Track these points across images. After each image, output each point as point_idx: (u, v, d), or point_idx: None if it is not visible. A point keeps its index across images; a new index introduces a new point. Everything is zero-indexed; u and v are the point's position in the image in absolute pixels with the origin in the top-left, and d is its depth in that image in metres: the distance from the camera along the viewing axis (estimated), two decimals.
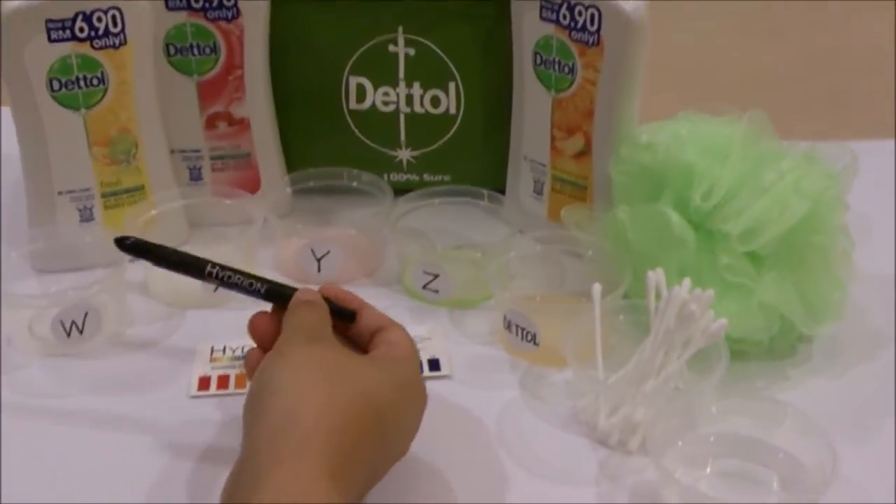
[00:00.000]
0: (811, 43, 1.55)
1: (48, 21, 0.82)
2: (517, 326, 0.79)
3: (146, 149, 0.90)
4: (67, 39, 0.83)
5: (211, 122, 0.94)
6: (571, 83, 0.87)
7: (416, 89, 0.96)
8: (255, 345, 0.69)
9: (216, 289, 0.84)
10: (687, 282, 0.72)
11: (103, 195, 0.89)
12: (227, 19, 0.90)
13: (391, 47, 0.94)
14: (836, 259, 0.78)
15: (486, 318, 0.84)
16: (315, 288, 0.70)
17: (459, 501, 0.67)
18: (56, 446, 0.72)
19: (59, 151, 0.87)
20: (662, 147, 0.79)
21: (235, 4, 0.89)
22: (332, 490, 0.56)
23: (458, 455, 0.70)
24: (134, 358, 0.81)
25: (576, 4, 0.84)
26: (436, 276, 0.86)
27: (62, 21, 0.82)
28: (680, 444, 0.69)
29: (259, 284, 0.70)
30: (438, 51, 0.94)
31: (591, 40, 0.84)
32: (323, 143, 0.98)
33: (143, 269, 0.87)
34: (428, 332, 0.82)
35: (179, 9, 0.89)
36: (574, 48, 0.86)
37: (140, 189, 0.91)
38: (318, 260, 0.88)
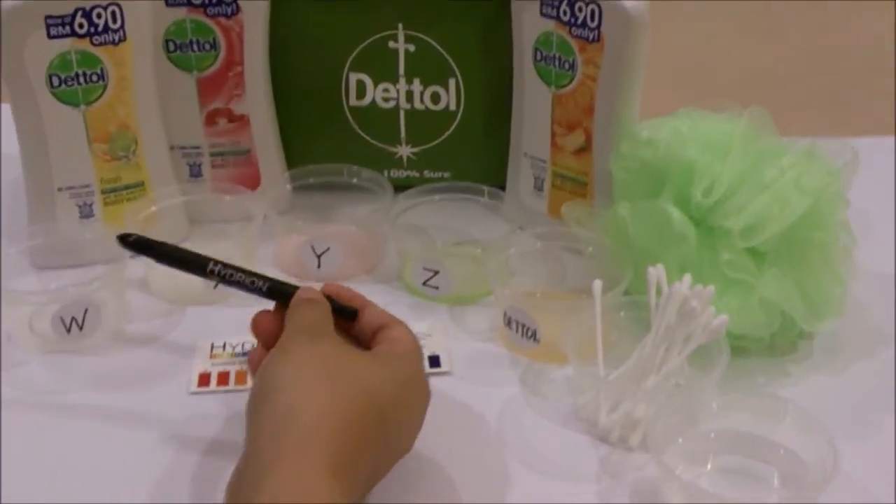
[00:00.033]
0: (811, 41, 1.55)
1: (47, 17, 0.82)
2: (517, 323, 0.79)
3: (146, 145, 0.90)
4: (67, 36, 0.83)
5: (211, 119, 0.94)
6: (572, 79, 0.87)
7: (417, 86, 0.96)
8: (257, 343, 0.69)
9: (216, 285, 0.84)
10: (688, 278, 0.71)
11: (103, 191, 0.89)
12: (226, 15, 0.90)
13: (391, 44, 0.94)
14: (837, 255, 0.78)
15: (487, 314, 0.84)
16: (316, 285, 0.70)
17: (460, 498, 0.67)
18: (56, 443, 0.72)
19: (59, 148, 0.87)
20: (663, 143, 0.79)
21: (235, 1, 0.89)
22: (335, 487, 0.56)
23: (458, 452, 0.70)
24: (134, 354, 0.81)
25: (576, 0, 0.84)
26: (436, 273, 0.86)
27: (61, 17, 0.82)
28: (681, 440, 0.68)
29: (261, 282, 0.70)
30: (438, 47, 0.94)
31: (591, 36, 0.84)
32: (323, 139, 0.98)
33: (143, 266, 0.87)
34: (428, 328, 0.82)
35: (179, 5, 0.89)
36: (574, 44, 0.86)
37: (140, 185, 0.91)
38: (318, 256, 0.88)
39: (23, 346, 0.80)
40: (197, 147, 0.95)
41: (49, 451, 0.71)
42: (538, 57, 0.89)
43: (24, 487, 0.68)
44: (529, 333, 0.79)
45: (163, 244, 0.71)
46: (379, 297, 0.72)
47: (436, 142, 0.98)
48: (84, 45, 0.83)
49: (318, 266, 0.88)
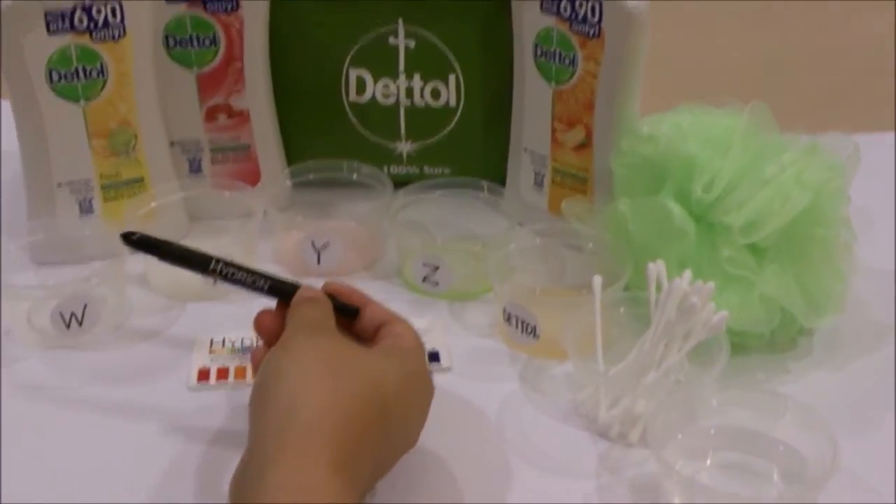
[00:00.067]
0: (812, 38, 1.55)
1: (47, 13, 0.81)
2: (517, 319, 0.79)
3: (146, 141, 0.90)
4: (66, 31, 0.83)
5: (210, 115, 0.94)
6: (572, 75, 0.87)
7: (417, 81, 0.96)
8: (259, 342, 0.70)
9: (215, 281, 0.85)
10: (688, 274, 0.71)
11: (103, 187, 0.89)
12: (226, 11, 0.90)
13: (391, 39, 0.94)
14: (838, 251, 0.77)
15: (486, 310, 0.84)
16: (316, 281, 0.70)
17: (460, 495, 0.67)
18: (55, 439, 0.72)
19: (59, 143, 0.87)
20: (664, 139, 0.79)
21: None
22: (337, 481, 0.56)
23: (458, 448, 0.70)
24: (133, 350, 0.81)
25: None
26: (436, 269, 0.85)
27: (61, 13, 0.82)
28: (680, 436, 0.68)
29: (262, 281, 0.70)
30: (439, 43, 0.94)
31: (591, 32, 0.84)
32: (323, 135, 0.98)
33: (142, 262, 0.87)
34: (427, 324, 0.82)
35: (179, 1, 0.89)
36: (575, 40, 0.86)
37: (139, 181, 0.91)
38: (318, 252, 0.88)
39: (22, 342, 0.80)
40: (197, 143, 0.95)
41: (48, 446, 0.71)
42: (538, 53, 0.89)
43: (23, 482, 0.68)
44: (529, 329, 0.79)
45: (166, 242, 0.71)
46: (378, 293, 0.72)
47: (436, 138, 0.98)
48: (84, 40, 0.83)
49: (318, 262, 0.88)
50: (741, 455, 0.69)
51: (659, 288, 0.73)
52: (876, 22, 1.54)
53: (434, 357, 0.79)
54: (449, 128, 0.97)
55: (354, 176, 0.95)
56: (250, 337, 0.80)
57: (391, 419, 0.62)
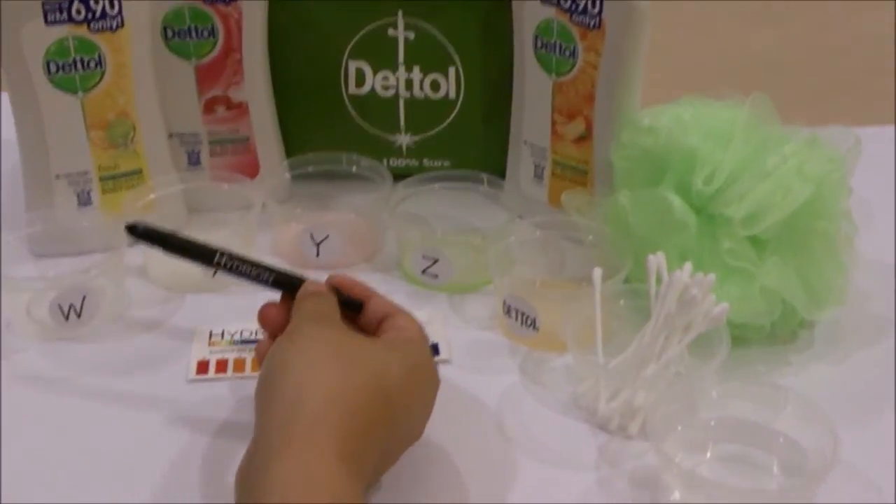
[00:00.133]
0: (813, 31, 1.54)
1: (45, 3, 0.81)
2: (517, 311, 0.79)
3: (144, 132, 0.90)
4: (64, 22, 0.82)
5: (209, 106, 0.93)
6: (572, 67, 0.87)
7: (416, 74, 0.95)
8: (265, 334, 0.69)
9: (215, 273, 0.84)
10: (688, 266, 0.71)
11: (101, 179, 0.89)
12: (225, 2, 0.89)
13: (391, 31, 0.94)
14: (839, 244, 0.77)
15: (486, 303, 0.84)
16: (315, 273, 0.71)
17: (460, 486, 0.67)
18: (54, 430, 0.72)
19: (57, 135, 0.86)
20: (664, 131, 0.79)
21: None
22: (343, 472, 0.55)
23: (457, 440, 0.70)
24: (132, 342, 0.80)
25: None
26: (435, 261, 0.85)
27: (59, 3, 0.82)
28: (680, 428, 0.68)
29: (267, 274, 0.70)
30: (438, 35, 0.93)
31: (592, 23, 0.84)
32: (322, 127, 0.98)
33: (141, 253, 0.86)
34: (427, 317, 0.82)
35: None
36: (575, 31, 0.85)
37: (138, 173, 0.90)
38: (317, 245, 0.88)
39: (21, 334, 0.80)
40: (195, 135, 0.95)
41: (47, 437, 0.71)
42: (539, 44, 0.88)
43: (22, 473, 0.68)
44: (529, 322, 0.78)
45: (170, 234, 0.71)
46: (378, 285, 0.72)
47: (435, 130, 0.98)
48: (81, 31, 0.83)
49: (317, 254, 0.88)
50: (741, 447, 0.69)
51: (659, 280, 0.73)
52: (877, 14, 1.54)
53: (434, 349, 0.79)
54: (448, 120, 0.97)
55: (354, 168, 0.95)
56: (250, 329, 0.80)
57: (396, 411, 0.61)
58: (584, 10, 0.84)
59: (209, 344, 0.79)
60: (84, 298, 0.79)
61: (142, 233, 0.70)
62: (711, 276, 0.70)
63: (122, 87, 0.87)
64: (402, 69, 0.95)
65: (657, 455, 0.65)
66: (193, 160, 0.95)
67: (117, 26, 0.84)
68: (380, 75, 0.96)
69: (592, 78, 0.86)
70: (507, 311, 0.80)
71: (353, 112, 0.97)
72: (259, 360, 0.68)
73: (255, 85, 0.93)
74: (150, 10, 0.87)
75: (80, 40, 0.83)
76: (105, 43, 0.84)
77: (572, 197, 0.88)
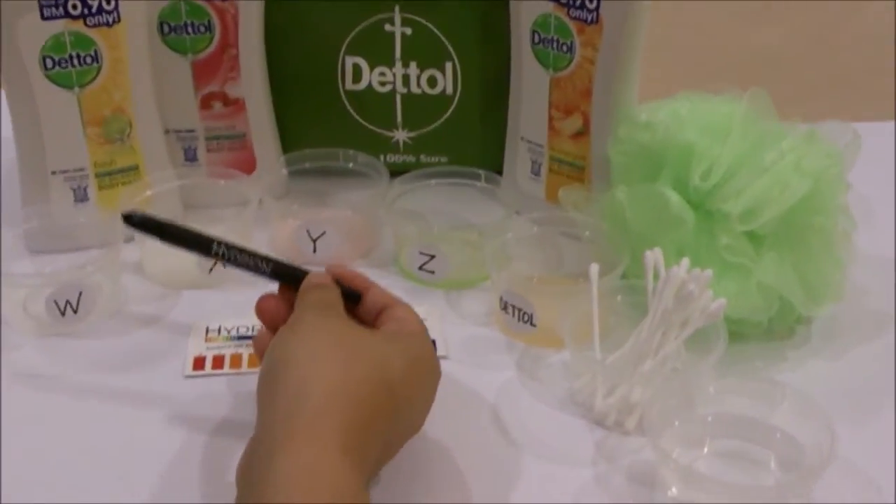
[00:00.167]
0: (813, 26, 1.54)
1: None
2: (514, 307, 0.79)
3: (140, 128, 0.89)
4: (60, 17, 0.82)
5: (206, 102, 0.93)
6: (570, 62, 0.87)
7: (413, 69, 0.95)
8: (262, 326, 0.69)
9: (211, 269, 0.84)
10: (685, 262, 0.71)
11: (97, 175, 0.89)
12: None
13: (388, 27, 0.94)
14: (837, 239, 0.77)
15: (483, 299, 0.84)
16: (317, 268, 0.70)
17: (457, 481, 0.67)
18: (50, 425, 0.72)
19: (53, 131, 0.86)
20: (661, 126, 0.78)
21: None
22: (345, 464, 0.55)
23: (454, 436, 0.70)
24: (129, 338, 0.80)
25: None
26: (432, 257, 0.85)
27: None
28: (677, 424, 0.68)
29: (265, 264, 0.70)
30: (435, 30, 0.93)
31: (589, 18, 0.84)
32: (319, 123, 0.98)
33: (137, 250, 0.86)
34: (424, 313, 0.81)
35: None
36: (572, 26, 0.85)
37: (134, 169, 0.90)
38: (314, 241, 0.88)
39: (17, 330, 0.80)
40: (192, 131, 0.94)
41: (43, 433, 0.71)
42: (536, 39, 0.88)
43: (17, 469, 0.67)
44: (526, 318, 0.78)
45: (167, 223, 0.69)
46: (375, 281, 0.71)
47: (432, 126, 0.98)
48: (78, 26, 0.83)
49: (314, 251, 0.88)
50: (738, 443, 0.68)
51: (656, 276, 0.73)
52: (877, 8, 1.54)
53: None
54: (446, 116, 0.97)
55: (350, 164, 0.95)
56: (246, 325, 0.80)
57: (399, 403, 0.61)
58: (582, 5, 0.84)
59: (206, 340, 0.79)
60: (80, 294, 0.79)
61: (138, 221, 0.68)
62: (709, 272, 0.70)
63: (119, 82, 0.87)
64: (398, 65, 0.95)
65: (654, 451, 0.65)
66: (190, 156, 0.95)
67: (113, 21, 0.84)
68: (377, 71, 0.96)
69: (590, 73, 0.86)
70: (504, 308, 0.79)
71: (349, 108, 0.97)
72: (257, 353, 0.68)
73: (252, 81, 0.93)
74: (147, 6, 0.87)
75: (76, 35, 0.83)
76: (101, 38, 0.84)
77: (569, 193, 0.88)
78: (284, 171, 0.95)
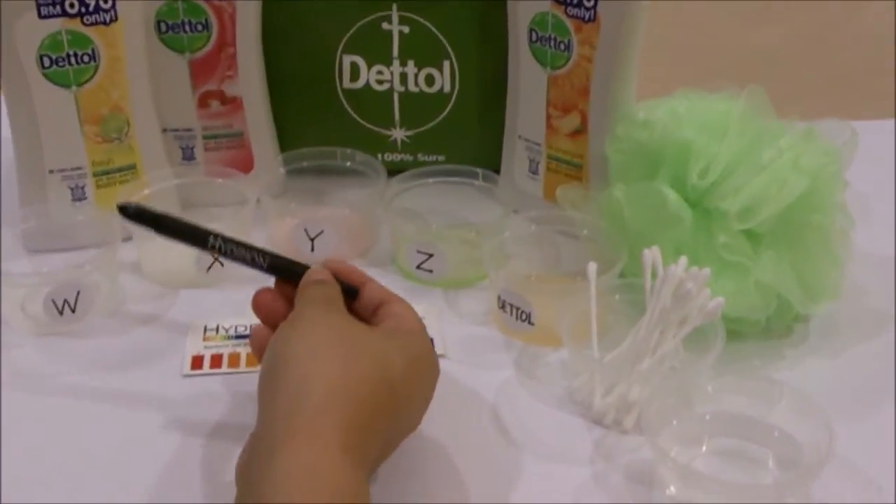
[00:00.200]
0: (812, 24, 1.54)
1: None
2: (512, 306, 0.79)
3: (138, 127, 0.89)
4: (57, 15, 0.82)
5: (203, 101, 0.93)
6: (567, 60, 0.87)
7: (411, 68, 0.95)
8: (258, 321, 0.69)
9: (209, 268, 0.84)
10: (683, 260, 0.71)
11: (95, 174, 0.89)
12: None
13: (385, 25, 0.93)
14: (834, 238, 0.77)
15: (481, 297, 0.84)
16: (316, 262, 0.70)
17: (455, 480, 0.67)
18: (48, 425, 0.71)
19: (51, 130, 0.86)
20: (659, 124, 0.78)
21: None
22: (346, 463, 0.55)
23: (453, 435, 0.70)
24: (127, 337, 0.80)
25: None
26: (430, 256, 0.85)
27: None
28: (675, 422, 0.68)
29: (261, 258, 0.70)
30: (433, 28, 0.93)
31: (587, 16, 0.84)
32: (316, 122, 0.98)
33: (136, 249, 0.86)
34: (422, 311, 0.81)
35: None
36: (570, 24, 0.85)
37: (132, 168, 0.90)
38: (312, 240, 0.88)
39: (15, 329, 0.80)
40: (189, 129, 0.94)
41: (40, 432, 0.71)
42: (533, 38, 0.88)
43: (16, 468, 0.67)
44: (524, 317, 0.78)
45: (163, 215, 0.69)
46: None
47: (430, 125, 0.98)
48: (75, 24, 0.83)
49: (312, 249, 0.88)
50: (736, 441, 0.68)
51: (654, 274, 0.73)
52: (877, 7, 1.54)
53: None
54: (443, 115, 0.97)
55: (348, 163, 0.95)
56: (244, 324, 0.80)
57: (399, 402, 0.61)
58: (579, 3, 0.83)
59: (204, 339, 0.79)
60: (78, 294, 0.79)
61: (133, 213, 0.68)
62: (706, 271, 0.70)
63: (116, 81, 0.87)
64: (396, 63, 0.95)
65: (652, 449, 0.65)
66: (187, 155, 0.95)
67: (111, 20, 0.84)
68: (374, 70, 0.95)
69: (587, 71, 0.86)
70: (502, 306, 0.79)
71: (347, 107, 0.97)
72: (253, 348, 0.68)
73: (250, 79, 0.93)
74: (144, 4, 0.87)
75: (73, 34, 0.83)
76: (99, 37, 0.84)
77: (567, 191, 0.88)
78: (282, 170, 0.95)
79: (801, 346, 0.79)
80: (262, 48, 0.93)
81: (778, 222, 0.75)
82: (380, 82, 0.96)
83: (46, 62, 0.83)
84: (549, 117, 0.90)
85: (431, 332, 0.79)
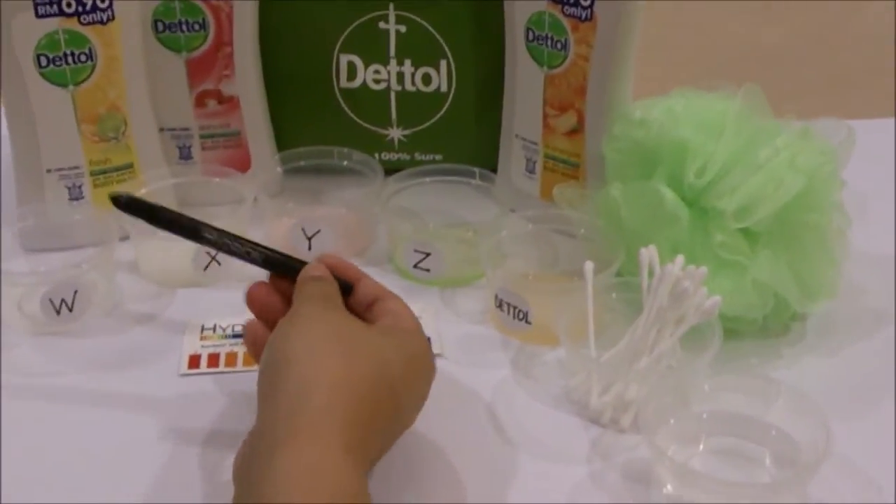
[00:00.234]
0: (809, 23, 1.54)
1: None
2: (509, 305, 0.79)
3: (135, 126, 0.89)
4: (55, 15, 0.82)
5: (200, 100, 0.93)
6: (564, 59, 0.87)
7: (408, 67, 0.95)
8: (252, 317, 0.69)
9: (206, 267, 0.84)
10: (680, 259, 0.71)
11: (92, 173, 0.89)
12: None
13: (382, 24, 0.94)
14: (831, 236, 0.77)
15: (478, 296, 0.84)
16: (311, 257, 0.70)
17: (451, 479, 0.67)
18: (46, 424, 0.71)
19: (48, 129, 0.86)
20: (656, 123, 0.78)
21: None
22: (348, 463, 0.55)
23: (449, 434, 0.70)
24: (124, 336, 0.80)
25: None
26: (427, 255, 0.85)
27: None
28: (672, 421, 0.68)
29: (256, 253, 0.69)
30: (430, 28, 0.93)
31: (584, 15, 0.84)
32: (313, 121, 0.98)
33: (133, 248, 0.86)
34: (419, 311, 0.81)
35: None
36: (567, 23, 0.85)
37: (129, 167, 0.90)
38: (309, 239, 0.88)
39: (12, 328, 0.80)
40: (186, 129, 0.94)
41: (38, 432, 0.71)
42: (530, 37, 0.88)
43: (15, 469, 0.67)
44: (521, 315, 0.78)
45: (156, 206, 0.69)
46: None
47: (427, 124, 0.98)
48: (72, 24, 0.83)
49: (309, 248, 0.88)
50: (734, 440, 0.69)
51: (651, 273, 0.73)
52: (876, 5, 1.54)
53: None
54: (440, 114, 0.97)
55: (345, 162, 0.95)
56: (241, 323, 0.79)
57: (399, 399, 0.61)
58: (576, 3, 0.84)
59: (201, 338, 0.79)
60: (75, 293, 0.79)
61: (125, 203, 0.68)
62: (703, 269, 0.70)
63: (113, 80, 0.86)
64: (393, 63, 0.95)
65: (649, 448, 0.65)
66: (185, 154, 0.95)
67: (108, 19, 0.84)
68: (371, 69, 0.96)
69: (584, 70, 0.86)
70: (500, 305, 0.79)
71: (344, 106, 0.97)
72: (248, 344, 0.67)
73: (247, 79, 0.93)
74: (141, 4, 0.87)
75: (70, 33, 0.83)
76: (96, 36, 0.84)
77: (564, 190, 0.88)
78: (279, 169, 0.95)
79: (798, 344, 0.79)
80: (258, 47, 0.93)
81: (774, 221, 0.75)
82: (377, 81, 0.96)
83: (43, 61, 0.83)
84: (545, 116, 0.90)
85: (428, 330, 0.79)
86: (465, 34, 0.93)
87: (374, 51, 0.95)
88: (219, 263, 0.84)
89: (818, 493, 0.64)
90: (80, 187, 0.89)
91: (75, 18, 0.83)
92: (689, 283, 0.70)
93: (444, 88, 0.96)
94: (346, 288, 0.69)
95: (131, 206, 0.68)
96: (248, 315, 0.69)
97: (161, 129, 0.93)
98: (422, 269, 0.86)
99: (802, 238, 0.76)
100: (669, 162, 0.77)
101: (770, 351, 0.78)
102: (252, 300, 0.68)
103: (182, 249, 0.83)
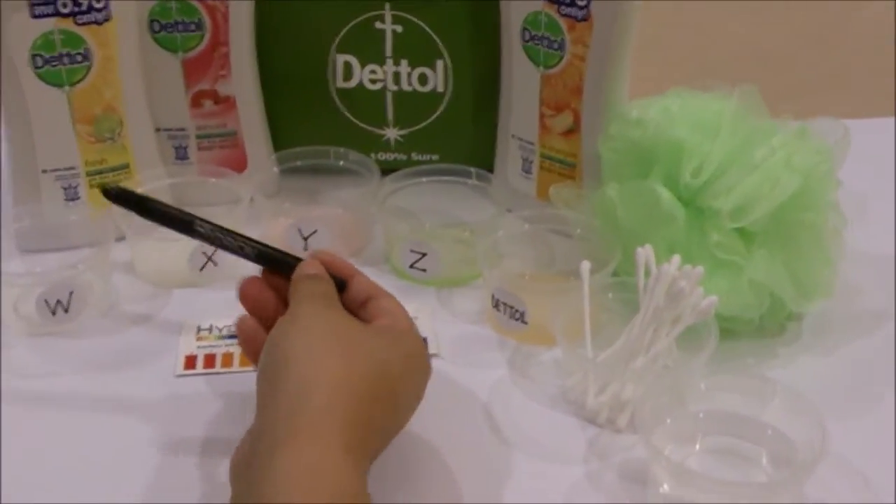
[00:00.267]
0: (812, 25, 1.54)
1: None
2: (506, 305, 0.79)
3: (131, 127, 0.89)
4: (51, 15, 0.82)
5: (196, 100, 0.93)
6: (560, 59, 0.87)
7: (404, 67, 0.95)
8: (245, 313, 0.68)
9: (202, 268, 0.84)
10: (676, 259, 0.71)
11: (88, 174, 0.89)
12: None
13: (378, 24, 0.93)
14: (827, 236, 0.77)
15: (475, 297, 0.84)
16: (305, 254, 0.70)
17: (448, 479, 0.67)
18: (42, 425, 0.71)
19: (43, 129, 0.86)
20: (652, 123, 0.78)
21: None
22: (348, 462, 0.55)
23: (446, 434, 0.70)
24: (120, 337, 0.80)
25: None
26: (423, 255, 0.85)
27: None
28: (669, 421, 0.68)
29: (249, 248, 0.69)
30: (426, 28, 0.93)
31: (580, 15, 0.84)
32: (310, 121, 0.98)
33: (129, 249, 0.86)
34: (415, 311, 0.81)
35: None
36: (563, 23, 0.85)
37: (125, 168, 0.90)
38: (305, 239, 0.88)
39: (8, 329, 0.80)
40: (183, 129, 0.94)
41: (35, 433, 0.71)
42: (526, 37, 0.88)
43: (11, 470, 0.67)
44: (518, 315, 0.78)
45: (147, 198, 0.68)
46: None
47: (423, 124, 0.98)
48: (68, 24, 0.83)
49: (305, 249, 0.88)
50: (730, 440, 0.69)
51: (647, 273, 0.73)
52: (875, 5, 1.54)
53: None
54: (437, 114, 0.97)
55: (342, 162, 0.95)
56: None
57: (398, 398, 0.61)
58: (572, 3, 0.84)
59: (197, 339, 0.79)
60: (71, 294, 0.79)
61: (116, 195, 0.67)
62: (700, 269, 0.70)
63: (109, 80, 0.86)
64: (389, 63, 0.95)
65: (646, 448, 0.65)
66: (181, 155, 0.95)
67: (104, 19, 0.84)
68: (367, 69, 0.95)
69: (580, 70, 0.86)
70: (496, 305, 0.79)
71: (340, 106, 0.97)
72: (241, 340, 0.67)
73: (243, 79, 0.93)
74: (137, 4, 0.87)
75: (66, 34, 0.83)
76: (91, 36, 0.84)
77: (560, 190, 0.88)
78: (276, 170, 0.95)
79: (794, 344, 0.79)
80: (255, 47, 0.93)
81: (770, 221, 0.75)
82: (373, 81, 0.96)
83: (39, 62, 0.83)
84: (542, 116, 0.90)
85: (425, 330, 0.79)
86: (461, 34, 0.93)
87: (370, 51, 0.95)
88: (215, 264, 0.84)
89: (814, 493, 0.64)
90: (75, 188, 0.89)
91: (71, 19, 0.82)
92: (685, 282, 0.70)
93: (440, 88, 0.96)
94: (340, 285, 0.68)
95: (122, 197, 0.68)
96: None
97: (157, 130, 0.93)
98: (418, 269, 0.86)
99: (798, 238, 0.76)
100: (666, 162, 0.77)
101: (766, 350, 0.78)
102: (245, 296, 0.68)
103: (178, 250, 0.83)
